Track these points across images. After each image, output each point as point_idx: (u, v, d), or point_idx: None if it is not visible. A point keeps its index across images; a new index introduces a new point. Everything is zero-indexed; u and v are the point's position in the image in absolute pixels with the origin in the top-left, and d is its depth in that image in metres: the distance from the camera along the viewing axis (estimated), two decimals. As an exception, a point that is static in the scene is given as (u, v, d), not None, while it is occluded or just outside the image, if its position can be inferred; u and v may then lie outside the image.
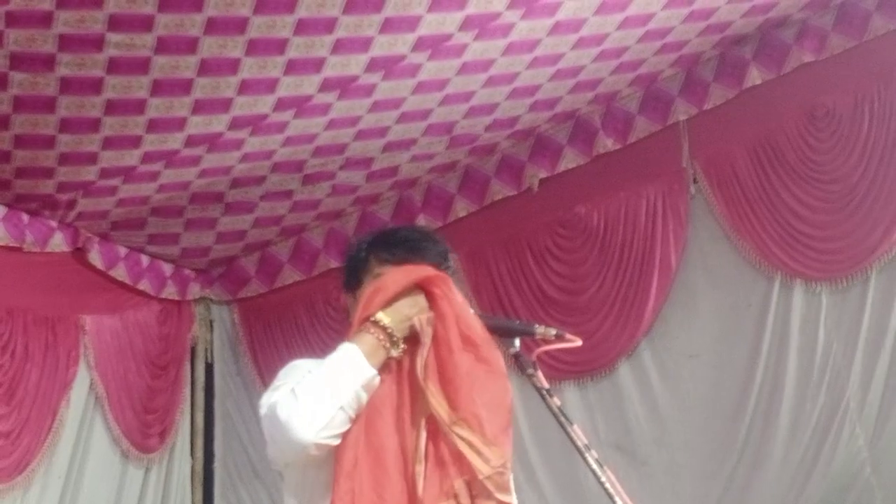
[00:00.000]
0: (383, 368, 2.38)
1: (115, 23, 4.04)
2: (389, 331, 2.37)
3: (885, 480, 4.41)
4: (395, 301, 2.42)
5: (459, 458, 2.29)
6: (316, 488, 2.37)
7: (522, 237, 5.52)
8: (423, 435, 2.32)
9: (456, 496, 2.28)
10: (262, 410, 2.41)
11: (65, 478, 5.50)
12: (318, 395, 2.30)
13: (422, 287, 2.43)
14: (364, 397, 2.33)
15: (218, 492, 6.36)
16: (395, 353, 2.38)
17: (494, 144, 5.54)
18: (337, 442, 2.31)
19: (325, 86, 4.66)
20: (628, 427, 5.11)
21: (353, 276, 2.63)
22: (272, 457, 2.49)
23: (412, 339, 2.40)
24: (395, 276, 2.46)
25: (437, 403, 2.31)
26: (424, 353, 2.36)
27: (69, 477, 5.53)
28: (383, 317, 2.39)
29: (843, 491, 4.51)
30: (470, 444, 2.28)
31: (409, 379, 2.37)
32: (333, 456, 2.33)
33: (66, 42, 4.11)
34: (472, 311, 2.48)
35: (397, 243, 2.62)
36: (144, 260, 6.11)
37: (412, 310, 2.41)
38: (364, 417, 2.34)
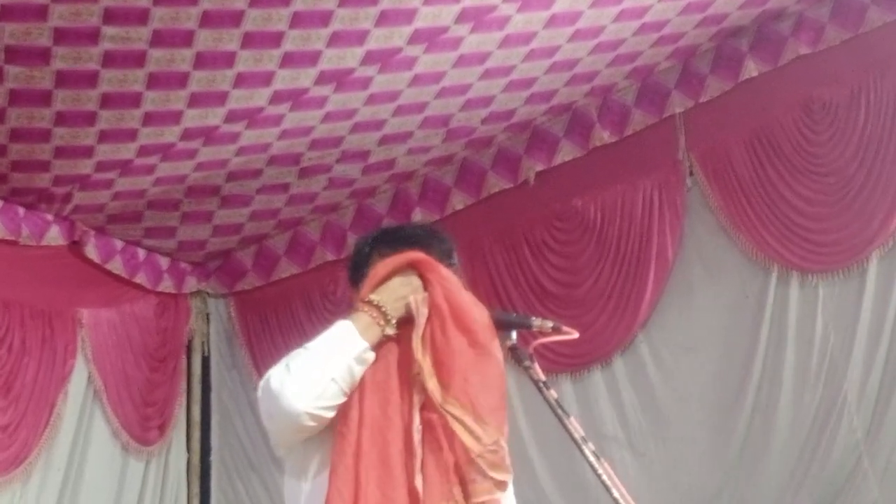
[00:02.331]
0: (380, 349, 2.39)
1: (111, 16, 4.04)
2: (383, 308, 2.38)
3: (882, 472, 4.41)
4: (388, 281, 2.44)
5: (452, 437, 2.30)
6: (321, 467, 2.38)
7: (519, 230, 5.52)
8: (418, 419, 2.33)
9: (456, 501, 2.29)
10: (259, 392, 2.43)
11: (64, 471, 5.51)
12: (309, 367, 2.33)
13: (414, 268, 2.44)
14: (357, 370, 2.35)
15: (215, 484, 6.36)
16: (389, 330, 2.39)
17: (491, 137, 5.54)
18: (331, 414, 2.33)
19: (322, 79, 4.66)
20: (625, 419, 5.11)
21: (357, 271, 2.64)
22: (273, 439, 2.51)
23: (407, 320, 2.40)
24: (386, 261, 2.48)
25: (431, 382, 2.32)
26: (420, 331, 2.36)
27: (69, 470, 5.54)
28: (375, 296, 2.41)
29: (840, 482, 4.51)
30: (461, 422, 2.29)
31: (406, 360, 2.38)
32: (333, 434, 2.35)
33: (61, 35, 4.11)
34: (469, 294, 2.47)
35: (401, 239, 2.63)
36: (141, 253, 6.11)
37: (405, 288, 2.42)
38: (363, 399, 2.35)
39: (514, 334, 2.55)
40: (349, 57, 4.54)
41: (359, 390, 2.37)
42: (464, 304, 2.41)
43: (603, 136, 5.33)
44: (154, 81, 4.49)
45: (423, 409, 2.35)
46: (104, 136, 4.82)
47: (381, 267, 2.46)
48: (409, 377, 2.37)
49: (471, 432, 2.29)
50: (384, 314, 2.38)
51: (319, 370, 2.32)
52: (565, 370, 5.21)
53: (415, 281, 2.43)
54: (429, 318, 2.38)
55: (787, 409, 4.70)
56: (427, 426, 2.34)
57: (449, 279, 2.44)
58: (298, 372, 2.32)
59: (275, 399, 2.32)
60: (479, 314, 2.42)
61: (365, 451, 2.31)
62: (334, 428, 2.36)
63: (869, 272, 4.57)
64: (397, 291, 2.42)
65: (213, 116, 4.81)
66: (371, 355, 2.37)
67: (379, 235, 2.70)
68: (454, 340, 2.35)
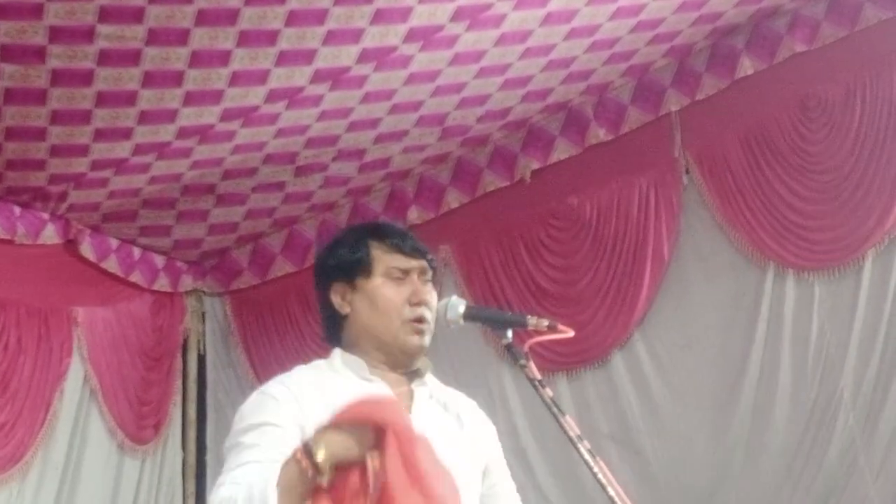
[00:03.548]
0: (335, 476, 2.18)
1: (106, 14, 4.04)
2: (319, 464, 2.14)
3: (878, 469, 4.42)
4: (347, 426, 2.19)
5: None
6: None
7: (515, 228, 5.51)
8: None
9: None
10: None
11: (62, 469, 5.51)
12: None
13: (374, 429, 2.18)
14: None
15: (210, 483, 6.34)
16: (321, 480, 2.15)
17: (486, 136, 5.54)
18: None
19: (317, 77, 4.66)
20: (622, 418, 5.11)
21: (351, 272, 2.54)
22: None
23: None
24: (361, 406, 2.22)
25: None
26: (375, 495, 2.15)
27: (66, 469, 5.55)
28: (316, 449, 2.16)
29: (836, 479, 4.51)
30: None
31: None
32: None
33: (56, 34, 4.10)
34: (431, 463, 2.23)
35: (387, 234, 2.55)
36: (136, 252, 6.10)
37: (353, 442, 2.16)
38: None
39: (509, 333, 2.54)
40: (344, 55, 4.54)
41: None
42: (419, 463, 2.15)
43: (599, 134, 5.33)
44: (149, 80, 4.48)
45: None
46: (99, 135, 4.82)
47: (355, 410, 2.19)
48: None
49: None
50: (318, 468, 2.13)
51: None
52: (561, 369, 5.20)
53: (368, 437, 2.16)
54: (383, 486, 2.14)
55: (784, 407, 4.70)
56: None
57: (411, 446, 2.17)
58: None
59: None
60: (439, 485, 2.17)
61: None
62: None
63: (864, 270, 4.57)
64: (348, 441, 2.16)
65: (208, 115, 4.81)
66: None
67: (373, 229, 2.62)
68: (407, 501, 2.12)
